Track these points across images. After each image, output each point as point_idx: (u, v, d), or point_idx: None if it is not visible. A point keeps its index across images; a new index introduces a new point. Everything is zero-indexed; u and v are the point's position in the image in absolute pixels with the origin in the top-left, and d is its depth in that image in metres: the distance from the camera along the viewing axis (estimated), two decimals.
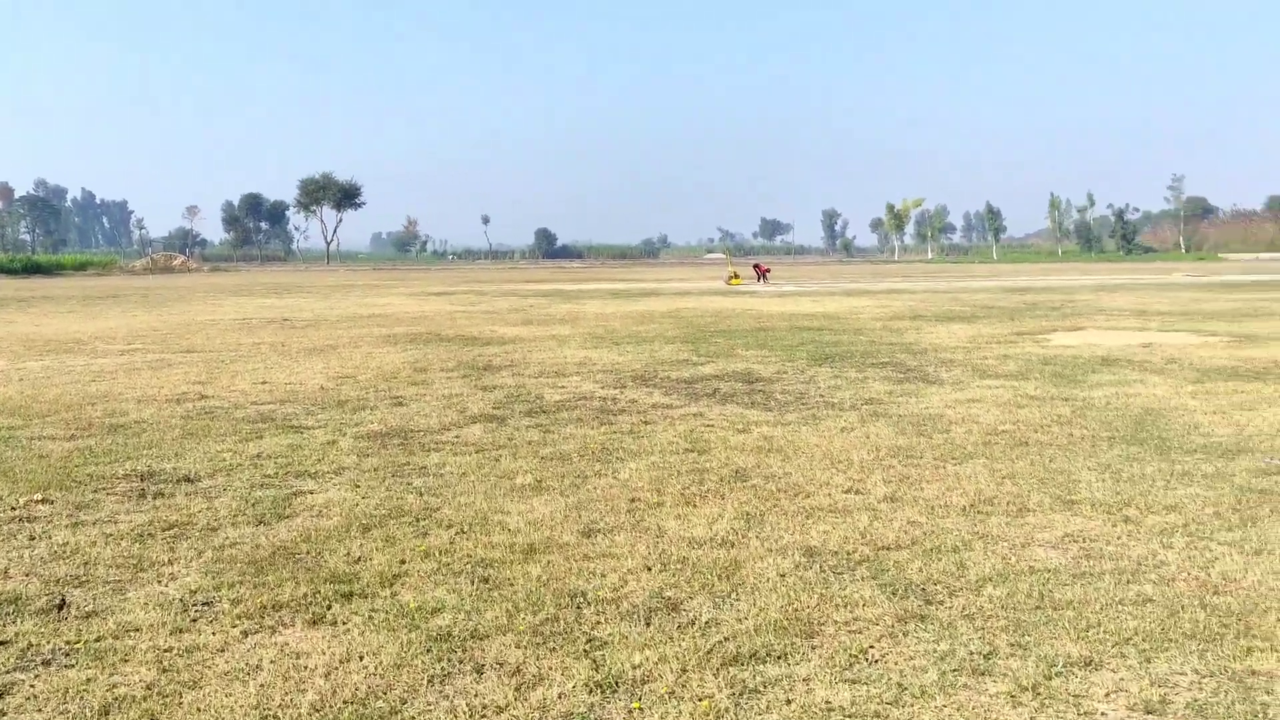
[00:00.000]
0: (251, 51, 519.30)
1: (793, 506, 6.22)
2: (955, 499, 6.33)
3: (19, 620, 4.58)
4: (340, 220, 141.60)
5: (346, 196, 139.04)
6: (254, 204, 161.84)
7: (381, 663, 4.09)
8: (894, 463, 7.37)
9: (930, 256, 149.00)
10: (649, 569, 5.12)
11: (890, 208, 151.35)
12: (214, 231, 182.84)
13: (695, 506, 6.24)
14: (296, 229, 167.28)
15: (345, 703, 3.77)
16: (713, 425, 9.03)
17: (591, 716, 3.66)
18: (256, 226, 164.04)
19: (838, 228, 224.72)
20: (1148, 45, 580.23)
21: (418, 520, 6.09)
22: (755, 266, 53.43)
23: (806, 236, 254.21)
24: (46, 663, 4.16)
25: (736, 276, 48.42)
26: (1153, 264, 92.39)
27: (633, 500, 6.41)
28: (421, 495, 6.63)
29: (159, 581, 5.08)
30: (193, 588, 4.98)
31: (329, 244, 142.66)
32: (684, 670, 3.97)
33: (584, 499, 6.46)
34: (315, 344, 17.90)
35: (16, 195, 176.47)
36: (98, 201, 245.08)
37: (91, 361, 15.17)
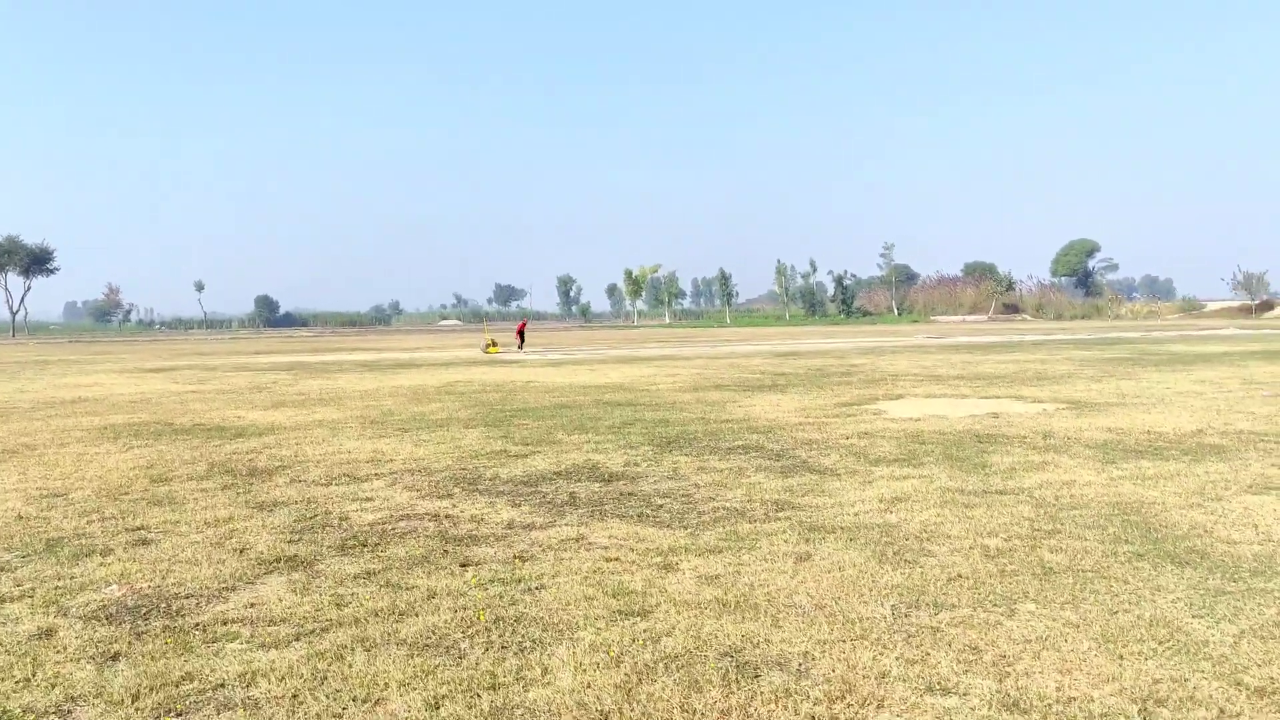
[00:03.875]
0: None
1: None
2: (1097, 694, 4.24)
3: None
4: (29, 288, 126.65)
5: (36, 262, 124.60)
6: None
7: None
8: (924, 619, 5.22)
9: (668, 320, 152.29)
10: None
11: (629, 273, 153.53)
12: None
13: None
14: None
15: None
16: (618, 559, 6.59)
17: None
18: None
19: (572, 293, 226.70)
20: (846, 126, 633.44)
21: None
22: (519, 328, 51.36)
23: (541, 302, 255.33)
24: None
25: (494, 344, 45.94)
26: (877, 326, 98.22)
27: None
28: None
29: None
30: None
31: (15, 314, 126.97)
32: None
33: None
34: (3, 444, 13.85)
35: None
36: None
37: None
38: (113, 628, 5.28)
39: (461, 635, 5.03)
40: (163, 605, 5.71)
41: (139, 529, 7.94)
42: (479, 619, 5.26)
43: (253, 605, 5.67)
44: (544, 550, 6.88)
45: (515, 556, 6.70)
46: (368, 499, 9.12)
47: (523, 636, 4.97)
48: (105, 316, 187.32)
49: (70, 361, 44.06)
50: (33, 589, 6.12)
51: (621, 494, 9.03)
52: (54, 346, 75.30)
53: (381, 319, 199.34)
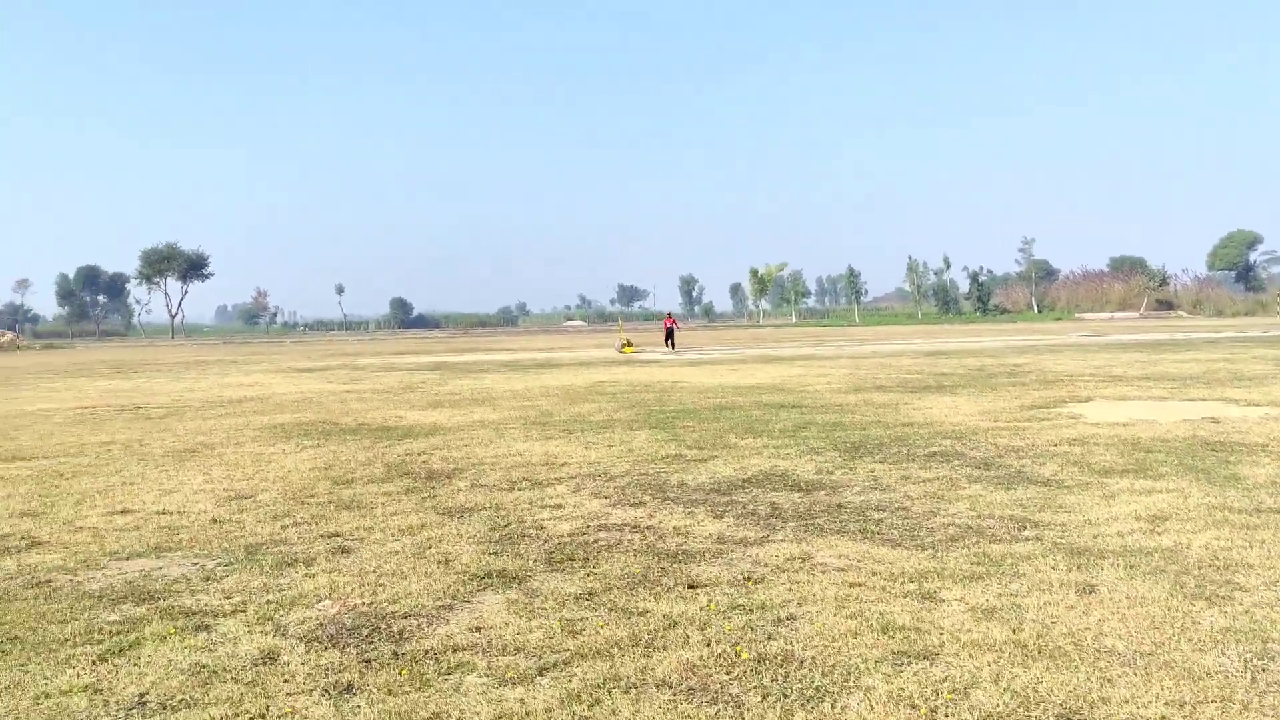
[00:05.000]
0: (83, 114, 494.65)
1: None
2: None
3: None
4: (185, 292, 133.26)
5: (193, 267, 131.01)
6: (91, 276, 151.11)
7: None
8: None
9: (794, 320, 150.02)
10: None
11: (754, 272, 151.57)
12: (46, 306, 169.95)
13: None
14: (138, 302, 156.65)
15: None
16: (861, 584, 5.89)
17: None
18: (94, 300, 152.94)
19: (695, 293, 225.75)
20: (991, 119, 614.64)
21: None
22: (667, 321, 50.82)
23: (664, 302, 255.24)
24: None
25: (630, 344, 45.66)
26: (1017, 324, 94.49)
27: None
28: None
29: None
30: None
31: (174, 317, 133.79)
32: None
33: None
34: (183, 442, 14.01)
35: None
36: None
37: None
38: (338, 652, 4.86)
39: (726, 676, 4.41)
40: (383, 626, 5.28)
41: (334, 536, 7.63)
42: (740, 656, 4.64)
43: (478, 629, 5.18)
44: (773, 571, 6.23)
45: (744, 578, 6.07)
46: (557, 506, 8.66)
47: (801, 682, 4.32)
48: (253, 319, 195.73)
49: (228, 361, 45.71)
50: (243, 603, 5.80)
51: (829, 506, 8.32)
52: (209, 347, 78.76)
53: (509, 320, 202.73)
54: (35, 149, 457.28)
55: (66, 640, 5.13)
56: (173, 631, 5.21)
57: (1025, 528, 7.34)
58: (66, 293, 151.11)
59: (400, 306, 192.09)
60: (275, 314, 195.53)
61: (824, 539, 7.12)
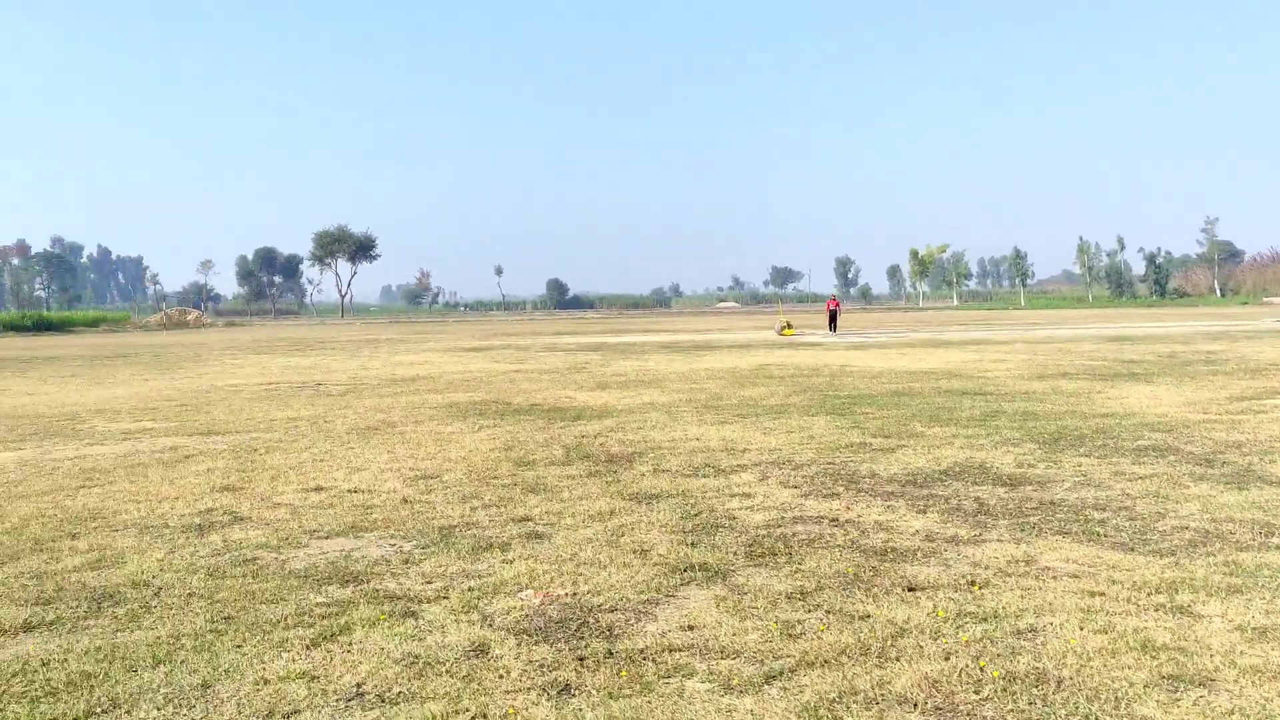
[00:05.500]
0: (263, 106, 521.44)
1: None
2: None
3: None
4: (355, 273, 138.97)
5: (361, 249, 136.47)
6: (268, 257, 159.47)
7: None
8: None
9: (955, 303, 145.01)
10: None
11: (914, 253, 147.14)
12: (228, 285, 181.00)
13: None
14: (310, 282, 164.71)
15: None
16: (1102, 594, 5.34)
17: None
18: (270, 280, 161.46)
19: (851, 274, 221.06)
20: (1173, 83, 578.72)
21: None
22: (830, 303, 49.73)
23: (820, 284, 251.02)
24: None
25: (790, 326, 44.89)
26: (1199, 309, 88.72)
27: None
28: None
29: None
30: None
31: (343, 297, 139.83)
32: None
33: None
34: (365, 420, 14.33)
35: (33, 252, 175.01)
36: (113, 258, 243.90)
37: (84, 452, 11.60)
38: (549, 648, 4.66)
39: (975, 696, 4.00)
40: (590, 620, 5.07)
41: (525, 520, 7.52)
42: (987, 673, 4.21)
43: (690, 628, 4.91)
44: (997, 575, 5.74)
45: (967, 581, 5.60)
46: (745, 495, 8.33)
47: (1066, 708, 3.87)
48: (416, 299, 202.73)
49: (396, 340, 47.28)
50: (445, 589, 5.70)
51: (1041, 503, 7.71)
52: (377, 326, 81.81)
53: (661, 301, 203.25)
54: (221, 138, 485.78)
55: (279, 622, 5.12)
56: (381, 617, 5.13)
57: (1273, 534, 6.60)
58: (246, 273, 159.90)
59: (556, 287, 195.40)
60: (437, 294, 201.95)
61: (1044, 540, 6.56)
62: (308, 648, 4.72)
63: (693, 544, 6.62)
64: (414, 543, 6.87)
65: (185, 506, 8.28)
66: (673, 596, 5.49)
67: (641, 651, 4.59)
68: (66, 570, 6.27)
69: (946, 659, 4.37)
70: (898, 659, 4.39)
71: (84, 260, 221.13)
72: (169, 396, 18.92)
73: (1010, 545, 6.42)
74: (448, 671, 4.38)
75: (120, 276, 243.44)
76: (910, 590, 5.45)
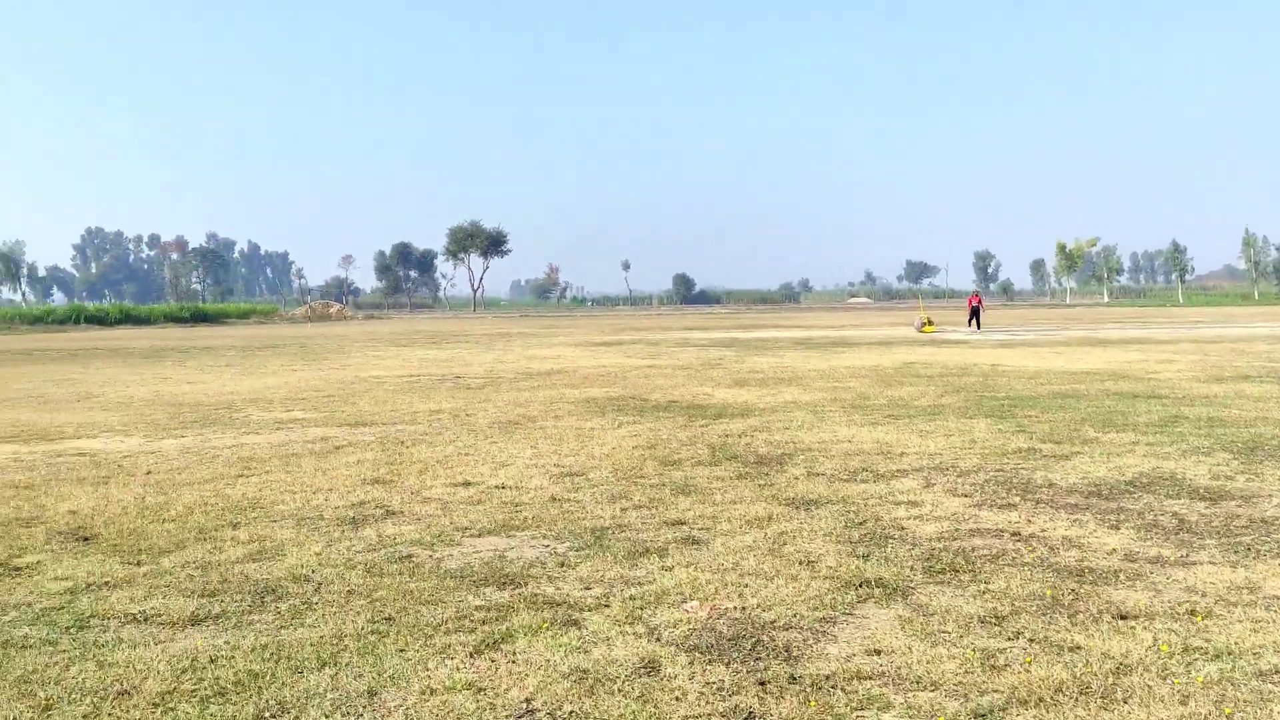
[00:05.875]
0: (398, 103, 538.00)
1: None
2: None
3: None
4: (486, 268, 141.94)
5: (493, 244, 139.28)
6: (404, 252, 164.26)
7: None
8: None
9: (1105, 299, 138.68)
10: None
11: (1061, 247, 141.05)
12: (366, 279, 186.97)
13: None
14: (444, 276, 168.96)
15: None
16: None
17: None
18: (406, 274, 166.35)
19: (991, 269, 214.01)
20: None
21: None
22: (972, 299, 48.09)
23: (957, 279, 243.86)
24: None
25: (930, 323, 43.49)
26: None
27: None
28: None
29: None
30: None
31: (475, 291, 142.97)
32: None
33: None
34: (505, 414, 14.29)
35: (190, 247, 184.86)
36: (262, 252, 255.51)
37: (241, 441, 11.84)
38: (725, 669, 4.32)
39: None
40: (764, 638, 4.70)
41: (678, 523, 7.21)
42: None
43: (876, 652, 4.50)
44: (1219, 604, 5.13)
45: (1185, 610, 5.01)
46: (912, 503, 7.83)
47: None
48: (545, 293, 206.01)
49: (527, 334, 47.85)
50: (605, 596, 5.42)
51: (1251, 521, 6.97)
52: (508, 320, 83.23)
53: (790, 296, 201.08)
54: (360, 137, 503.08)
55: (439, 626, 4.92)
56: (544, 626, 4.88)
57: None
58: (383, 267, 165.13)
59: (683, 282, 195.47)
60: (565, 289, 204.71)
61: (1264, 563, 5.88)
62: (471, 655, 4.49)
63: (864, 556, 6.18)
64: (567, 544, 6.64)
65: (338, 499, 8.27)
66: (850, 615, 5.08)
67: (828, 678, 4.20)
68: (230, 561, 6.25)
69: (1184, 703, 3.84)
70: (1126, 701, 3.88)
71: (235, 255, 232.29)
72: (317, 387, 19.38)
73: (1226, 569, 5.77)
74: (620, 690, 4.08)
75: (268, 271, 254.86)
76: (1122, 619, 4.90)
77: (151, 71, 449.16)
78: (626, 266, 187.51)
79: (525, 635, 4.75)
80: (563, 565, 6.08)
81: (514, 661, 4.41)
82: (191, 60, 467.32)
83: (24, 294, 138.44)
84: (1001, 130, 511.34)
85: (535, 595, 5.43)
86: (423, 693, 4.07)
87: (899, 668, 4.31)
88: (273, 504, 8.09)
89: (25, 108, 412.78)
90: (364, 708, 3.94)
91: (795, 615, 5.05)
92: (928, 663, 4.35)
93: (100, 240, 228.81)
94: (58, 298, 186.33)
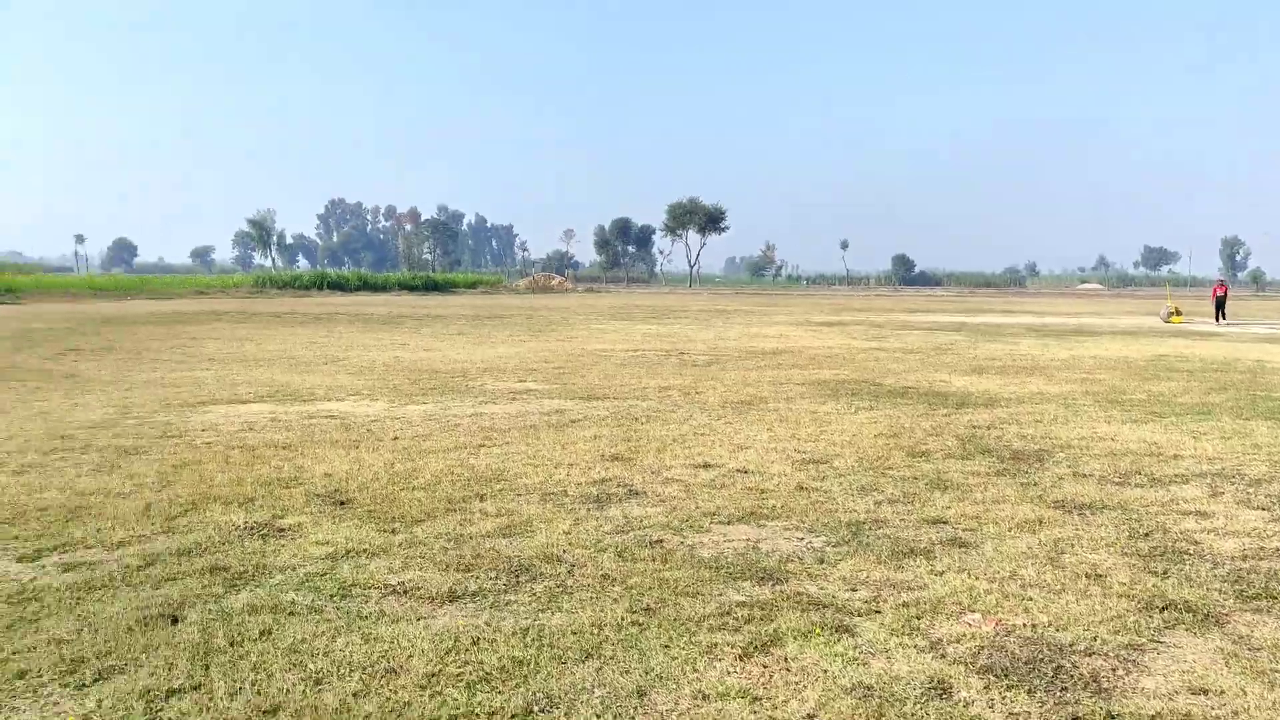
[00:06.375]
0: (624, 89, 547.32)
1: None
2: None
3: None
4: (704, 244, 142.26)
5: (711, 221, 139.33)
6: (623, 228, 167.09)
7: None
8: None
9: None
10: None
11: None
12: (585, 253, 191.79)
13: None
14: (660, 252, 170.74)
15: None
16: None
17: None
18: (624, 249, 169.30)
19: (1239, 257, 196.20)
20: None
21: None
22: (1217, 289, 44.18)
23: (1201, 266, 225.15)
24: None
25: (1178, 313, 40.10)
26: None
27: None
28: None
29: None
30: None
31: (692, 267, 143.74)
32: None
33: None
34: (735, 393, 14.02)
35: (422, 219, 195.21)
36: (488, 225, 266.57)
37: (480, 411, 12.12)
38: (1029, 698, 3.87)
39: None
40: (1065, 664, 4.21)
41: (939, 522, 6.71)
42: None
43: (1201, 691, 3.93)
44: None
45: None
46: (1200, 513, 7.00)
47: None
48: (760, 271, 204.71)
49: (744, 311, 47.51)
50: (874, 600, 5.04)
51: None
52: (724, 297, 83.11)
53: (1015, 280, 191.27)
54: (584, 117, 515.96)
55: (701, 622, 4.69)
56: (815, 631, 4.56)
57: None
58: (602, 242, 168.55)
59: (902, 263, 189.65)
60: (780, 267, 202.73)
61: None
62: (740, 658, 4.23)
63: (1161, 574, 5.51)
64: (823, 538, 6.28)
65: (580, 474, 8.23)
66: (1159, 643, 4.49)
67: (1153, 718, 3.67)
68: (480, 535, 6.26)
69: None
70: None
71: (463, 227, 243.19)
72: (545, 358, 19.76)
73: None
74: (910, 715, 3.71)
75: (493, 243, 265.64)
76: None
77: (393, 60, 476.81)
78: (845, 246, 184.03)
79: (795, 639, 4.45)
80: (822, 562, 5.73)
81: (788, 669, 4.11)
82: (437, 53, 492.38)
83: (273, 260, 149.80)
84: (1254, 107, 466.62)
85: (798, 595, 5.11)
86: (695, 697, 3.84)
87: (1235, 713, 3.72)
88: (516, 476, 8.13)
89: (284, 91, 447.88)
90: (635, 709, 3.75)
91: (1095, 639, 4.51)
92: (1270, 710, 3.74)
93: (341, 211, 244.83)
94: (302, 264, 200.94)
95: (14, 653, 4.26)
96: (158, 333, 26.20)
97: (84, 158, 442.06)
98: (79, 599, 4.98)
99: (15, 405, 12.13)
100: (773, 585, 5.27)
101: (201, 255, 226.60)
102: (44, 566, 5.58)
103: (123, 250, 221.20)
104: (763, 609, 4.86)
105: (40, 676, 4.04)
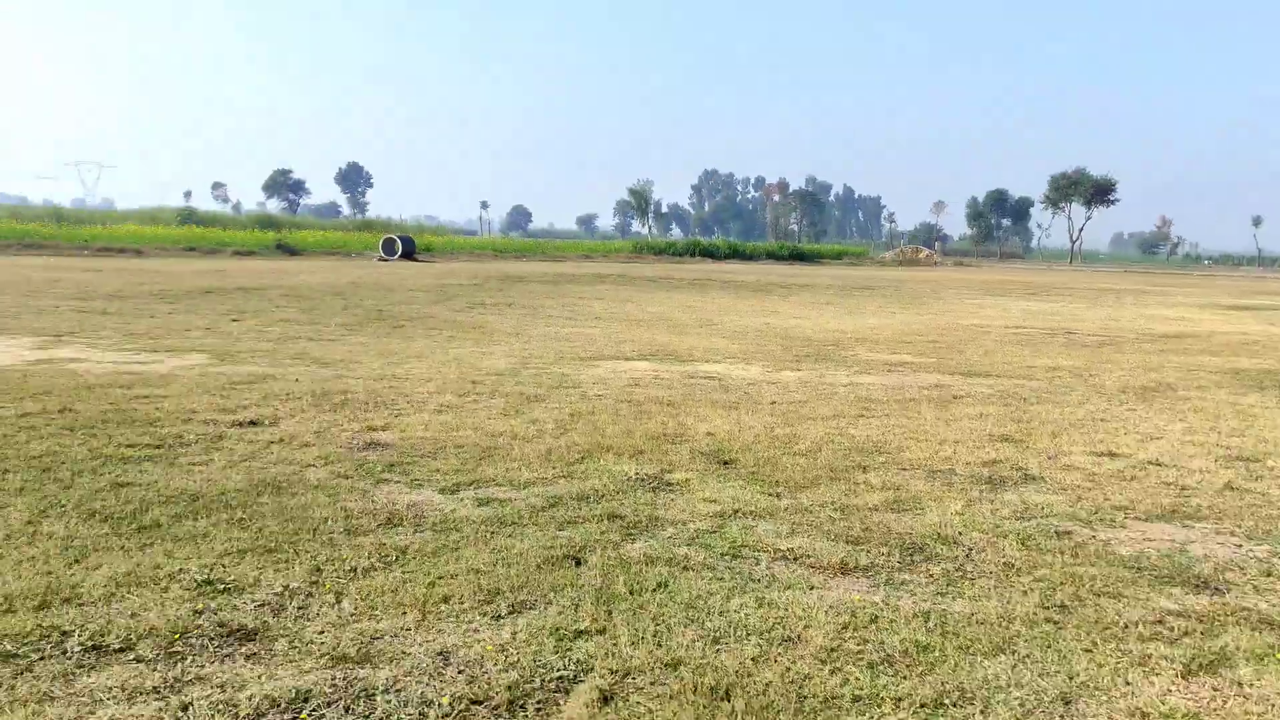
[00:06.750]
0: (1013, 49, 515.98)
1: None
2: None
3: None
4: (1089, 218, 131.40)
5: (1099, 193, 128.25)
6: (999, 200, 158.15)
7: None
8: None
9: None
10: None
11: None
12: (956, 226, 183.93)
13: None
14: (1039, 226, 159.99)
15: None
16: None
17: None
18: (998, 222, 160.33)
19: None
20: None
21: None
22: None
23: None
24: None
25: None
26: None
27: None
28: None
29: None
30: None
31: (1074, 243, 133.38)
32: None
33: None
34: (1136, 378, 12.70)
35: (790, 190, 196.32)
36: (855, 197, 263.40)
37: (855, 381, 11.84)
38: None
39: None
40: None
41: None
42: None
43: None
44: None
45: None
46: None
47: None
48: (1151, 249, 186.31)
49: (1136, 291, 43.28)
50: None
51: None
52: (1110, 275, 76.27)
53: None
54: (960, 95, 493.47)
55: (1129, 629, 4.17)
56: (1273, 653, 3.91)
57: None
58: (975, 215, 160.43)
59: None
60: (1176, 245, 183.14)
61: None
62: (1182, 676, 3.70)
63: None
64: (1265, 547, 5.44)
65: (967, 453, 7.75)
66: None
67: None
68: (867, 508, 6.04)
69: None
70: None
71: (831, 199, 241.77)
72: (918, 331, 19.05)
73: None
74: None
75: (860, 214, 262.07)
76: None
77: (795, 55, 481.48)
78: (1257, 222, 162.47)
79: (1248, 661, 3.83)
80: (1269, 575, 4.95)
81: (1244, 696, 3.55)
82: (842, 46, 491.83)
83: (650, 227, 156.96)
84: None
85: (1244, 610, 4.43)
86: (1130, 714, 3.40)
87: None
88: (898, 450, 7.81)
89: (660, 78, 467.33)
90: (1060, 717, 3.37)
91: None
92: None
93: (714, 182, 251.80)
94: (675, 232, 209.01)
95: (439, 578, 4.61)
96: (551, 291, 28.24)
97: (490, 136, 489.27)
98: (493, 533, 5.34)
99: (434, 351, 13.48)
100: (1210, 595, 4.61)
101: (586, 222, 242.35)
102: (462, 499, 6.05)
103: (519, 216, 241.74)
104: (1203, 621, 4.26)
105: (462, 603, 4.34)
